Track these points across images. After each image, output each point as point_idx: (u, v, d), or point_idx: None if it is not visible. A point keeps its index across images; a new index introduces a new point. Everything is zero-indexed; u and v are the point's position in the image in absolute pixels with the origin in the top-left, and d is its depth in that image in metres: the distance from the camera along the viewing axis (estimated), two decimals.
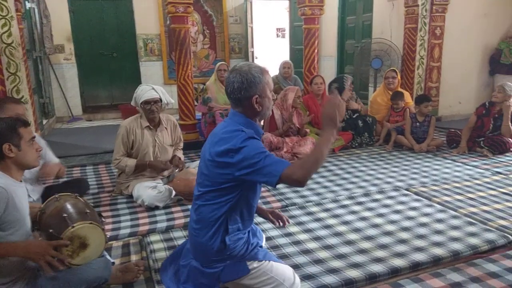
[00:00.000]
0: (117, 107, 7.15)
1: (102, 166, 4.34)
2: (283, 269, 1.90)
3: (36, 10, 6.03)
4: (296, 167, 1.60)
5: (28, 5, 5.85)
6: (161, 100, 3.22)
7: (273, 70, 6.43)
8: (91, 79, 7.24)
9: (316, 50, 5.29)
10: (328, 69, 7.57)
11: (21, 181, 1.87)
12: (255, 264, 1.85)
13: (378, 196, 3.29)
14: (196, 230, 1.90)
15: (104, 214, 2.93)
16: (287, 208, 3.09)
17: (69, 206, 2.04)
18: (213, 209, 1.84)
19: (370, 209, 3.05)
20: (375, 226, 2.76)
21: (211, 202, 1.84)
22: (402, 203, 3.15)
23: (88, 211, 2.05)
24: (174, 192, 3.17)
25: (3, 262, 1.75)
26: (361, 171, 3.98)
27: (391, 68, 5.39)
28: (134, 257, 2.41)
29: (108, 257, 2.24)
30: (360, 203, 3.16)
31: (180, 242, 2.54)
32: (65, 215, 1.96)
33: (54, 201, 2.13)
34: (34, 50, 6.09)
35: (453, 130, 4.94)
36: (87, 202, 2.63)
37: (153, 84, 3.37)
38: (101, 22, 7.14)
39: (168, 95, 3.35)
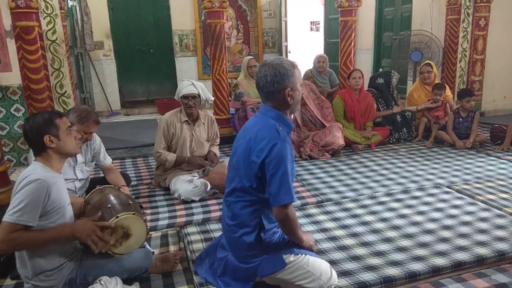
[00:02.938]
0: (154, 102, 7.32)
1: (140, 159, 4.47)
2: (320, 264, 1.90)
3: (77, 8, 6.26)
4: (292, 215, 1.81)
5: (70, 3, 6.08)
6: (199, 96, 3.27)
7: (307, 64, 6.37)
8: (129, 74, 7.44)
9: (352, 43, 5.17)
10: (364, 62, 7.40)
11: (60, 173, 1.95)
12: (291, 257, 1.86)
13: (418, 193, 3.19)
14: (231, 226, 1.93)
15: (143, 205, 3.03)
16: (322, 204, 3.05)
17: (112, 198, 2.11)
18: (245, 205, 1.87)
19: (409, 206, 2.96)
20: (415, 224, 2.68)
21: (243, 199, 1.87)
22: (443, 201, 3.04)
23: (130, 202, 2.12)
24: (209, 186, 3.21)
25: (50, 248, 1.84)
26: (400, 167, 3.87)
27: (426, 62, 5.20)
28: (172, 248, 2.46)
29: (148, 247, 2.31)
30: (398, 200, 3.07)
31: (216, 234, 2.58)
32: (109, 205, 2.03)
33: (98, 192, 2.22)
34: (76, 47, 6.34)
35: (497, 125, 4.70)
36: (129, 194, 2.73)
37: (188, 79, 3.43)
38: (138, 18, 7.31)
39: (208, 92, 3.39)
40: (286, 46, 8.19)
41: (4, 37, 4.21)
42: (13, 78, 4.28)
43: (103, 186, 2.31)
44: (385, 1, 7.18)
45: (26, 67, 4.12)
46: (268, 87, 1.80)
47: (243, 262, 1.92)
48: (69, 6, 6.07)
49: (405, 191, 3.24)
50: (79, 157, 2.85)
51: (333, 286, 1.92)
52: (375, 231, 2.58)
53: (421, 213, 2.84)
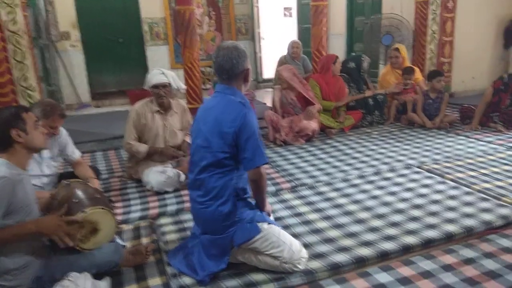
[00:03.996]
0: (125, 93, 7.14)
1: (111, 151, 4.36)
2: (290, 237, 2.06)
3: None
4: (264, 174, 1.96)
5: None
6: (170, 85, 3.20)
7: (281, 50, 6.33)
8: (98, 65, 7.20)
9: (324, 28, 5.17)
10: (337, 47, 7.41)
11: (26, 170, 1.89)
12: (265, 225, 1.98)
13: (389, 175, 3.24)
14: (205, 202, 1.97)
15: (114, 198, 2.96)
16: (296, 189, 3.06)
17: (79, 192, 2.05)
18: (220, 177, 1.94)
19: (381, 187, 3.00)
20: (386, 204, 2.72)
21: (216, 172, 1.94)
22: (414, 180, 3.10)
23: (98, 196, 2.06)
24: (183, 176, 3.17)
25: (14, 246, 1.78)
26: (372, 149, 3.92)
27: (394, 47, 5.26)
28: (144, 240, 2.42)
29: (119, 240, 2.26)
30: (371, 182, 3.11)
31: (190, 224, 2.54)
32: (75, 200, 1.97)
33: (65, 187, 2.14)
34: (40, 38, 6.08)
35: (466, 105, 4.82)
36: (99, 187, 2.66)
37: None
38: (106, 7, 7.04)
39: (179, 81, 3.32)
40: (259, 33, 8.12)
41: None
42: None
43: (70, 180, 2.23)
44: None
45: None
46: (234, 69, 1.93)
47: (219, 234, 1.97)
48: None
49: (377, 173, 3.28)
50: (46, 153, 2.74)
51: (303, 259, 2.00)
52: (347, 213, 2.61)
53: (392, 193, 2.89)
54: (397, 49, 5.10)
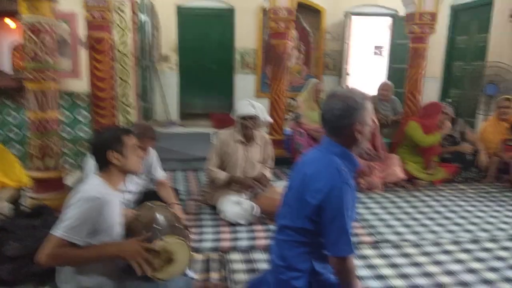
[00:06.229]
0: (209, 115, 7.41)
1: (190, 172, 4.47)
2: None
3: (149, 23, 6.53)
4: (351, 268, 1.62)
5: (143, 18, 6.37)
6: (258, 117, 3.20)
7: (368, 88, 6.10)
8: (189, 88, 7.61)
9: (422, 72, 4.87)
10: (431, 91, 6.95)
11: (117, 190, 1.91)
12: None
13: (489, 245, 2.83)
14: (280, 267, 1.76)
15: (188, 223, 2.96)
16: (378, 245, 2.80)
17: (160, 218, 2.05)
18: (294, 246, 1.71)
19: (479, 260, 2.62)
20: (486, 282, 2.34)
21: (292, 239, 1.71)
22: None
23: (177, 224, 2.04)
24: (255, 209, 3.09)
25: (91, 265, 1.80)
26: (468, 211, 3.49)
27: (506, 96, 4.73)
28: (214, 275, 2.36)
29: (190, 272, 2.22)
30: (467, 251, 2.74)
31: (260, 265, 2.44)
32: (155, 226, 1.97)
33: (147, 209, 2.17)
34: (144, 59, 6.60)
35: None
36: (181, 212, 2.68)
37: (246, 97, 3.37)
38: (204, 35, 7.46)
39: (266, 113, 3.32)
40: (346, 69, 7.97)
41: (77, 46, 4.46)
42: (82, 85, 4.51)
43: (152, 203, 2.26)
44: (458, 29, 6.76)
45: (95, 76, 4.30)
46: (335, 122, 1.62)
47: None
48: (142, 21, 6.35)
49: (474, 241, 2.89)
50: None
51: None
52: (438, 286, 2.29)
53: (493, 269, 2.49)
54: (509, 99, 4.59)
